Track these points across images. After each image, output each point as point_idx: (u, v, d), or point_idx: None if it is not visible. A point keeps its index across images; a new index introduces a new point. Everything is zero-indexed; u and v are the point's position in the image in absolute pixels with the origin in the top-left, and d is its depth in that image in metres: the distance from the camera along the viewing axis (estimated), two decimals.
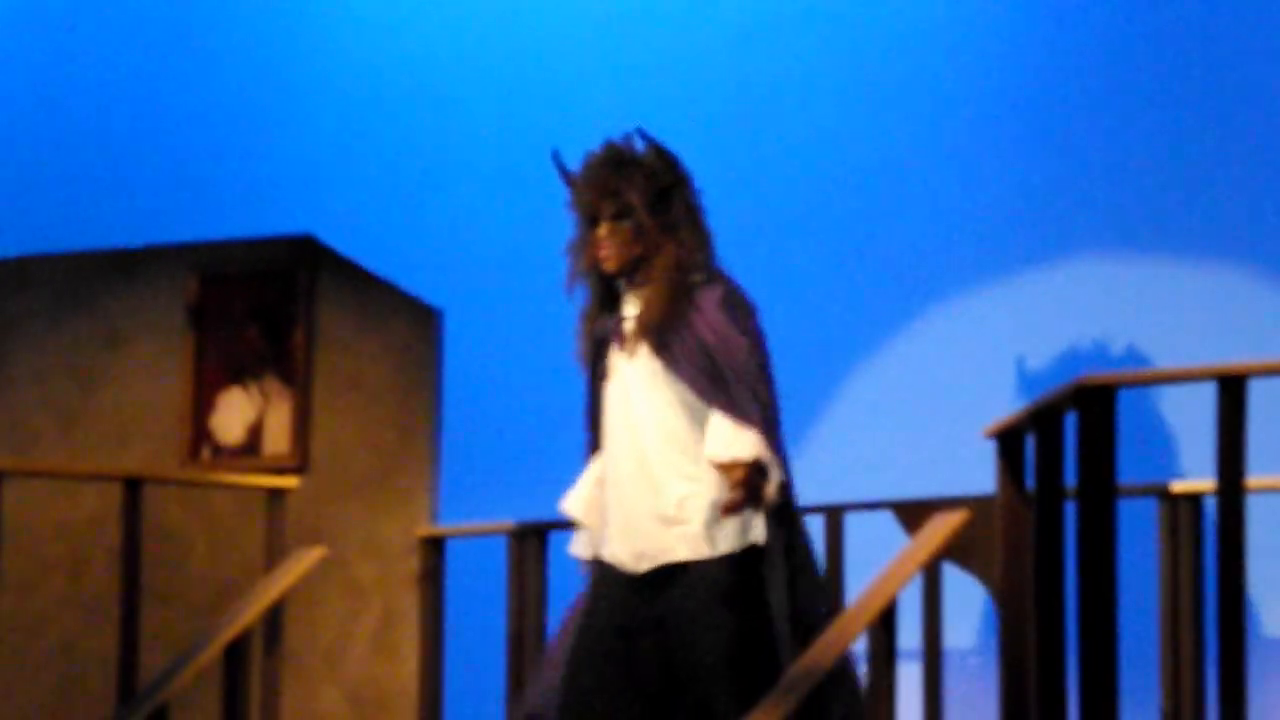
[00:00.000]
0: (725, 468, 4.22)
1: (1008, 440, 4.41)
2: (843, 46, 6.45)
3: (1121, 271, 6.06)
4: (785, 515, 4.30)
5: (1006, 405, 4.35)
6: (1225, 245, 6.02)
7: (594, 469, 4.50)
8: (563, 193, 4.47)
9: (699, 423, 4.37)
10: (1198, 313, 5.85)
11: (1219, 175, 6.05)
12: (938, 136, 6.28)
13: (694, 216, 4.46)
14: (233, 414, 6.37)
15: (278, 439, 6.30)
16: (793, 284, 6.17)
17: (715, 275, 4.48)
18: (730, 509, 4.21)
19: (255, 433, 6.34)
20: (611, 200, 4.40)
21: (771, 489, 4.23)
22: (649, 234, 4.40)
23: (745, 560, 4.32)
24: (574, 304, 4.56)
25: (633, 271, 4.43)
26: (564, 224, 4.64)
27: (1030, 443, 4.33)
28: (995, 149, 6.22)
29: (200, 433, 6.37)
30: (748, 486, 4.19)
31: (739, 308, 4.45)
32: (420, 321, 6.27)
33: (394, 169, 6.99)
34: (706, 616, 4.26)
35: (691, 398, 4.37)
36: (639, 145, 4.46)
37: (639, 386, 4.39)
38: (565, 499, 4.49)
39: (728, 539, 4.30)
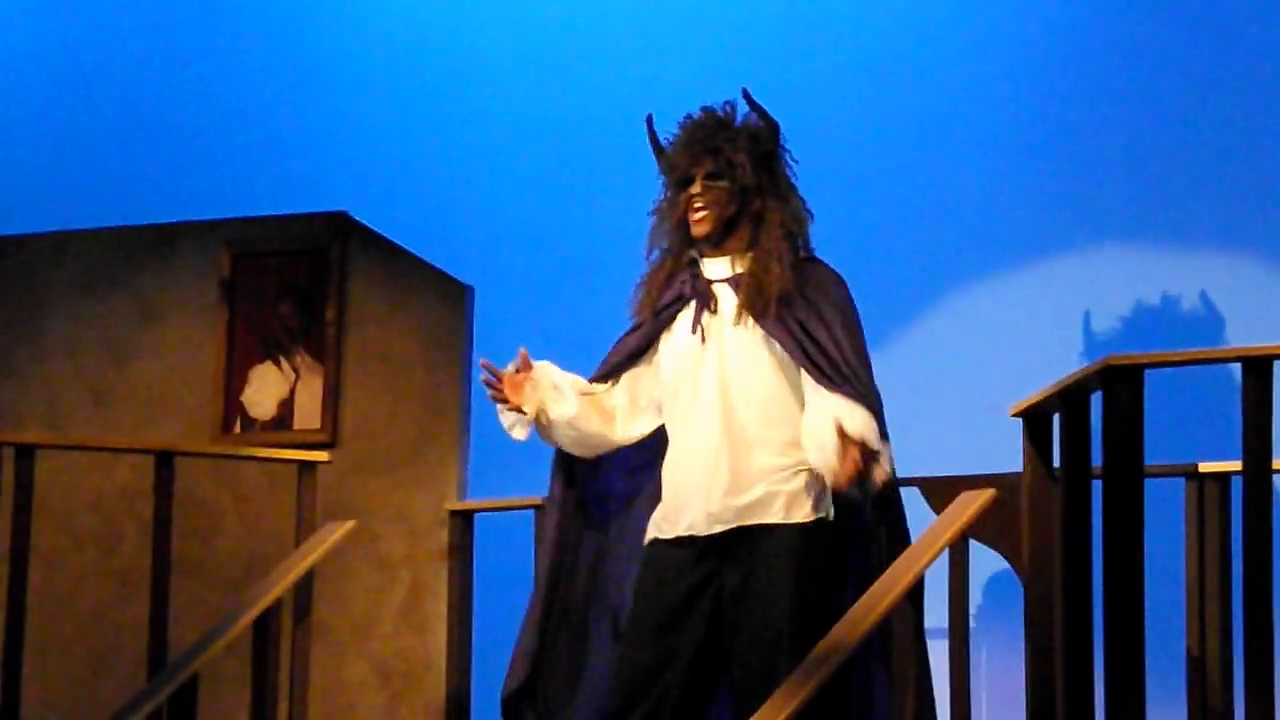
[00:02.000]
0: (846, 443, 4.22)
1: (1034, 419, 4.41)
2: (871, 31, 6.44)
3: (1147, 257, 6.05)
4: (893, 503, 4.31)
5: (1033, 385, 4.34)
6: (1247, 235, 6.01)
7: (592, 387, 4.46)
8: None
9: (796, 396, 4.37)
10: (1220, 298, 5.84)
11: (1243, 165, 6.04)
12: (966, 122, 6.27)
13: (790, 183, 4.45)
14: (264, 388, 6.39)
15: (309, 413, 6.32)
16: (823, 258, 6.17)
17: (816, 258, 4.48)
18: (839, 483, 4.22)
19: (286, 407, 6.36)
20: (711, 158, 4.37)
21: (879, 476, 4.25)
22: (749, 194, 4.38)
23: (816, 531, 4.33)
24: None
25: (721, 236, 4.42)
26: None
27: (1057, 422, 4.33)
28: (1023, 135, 6.21)
29: (232, 407, 6.39)
30: (860, 467, 4.21)
31: (845, 292, 4.46)
32: (451, 297, 6.28)
33: (427, 146, 7.01)
34: (781, 582, 4.27)
35: (793, 370, 4.36)
36: (742, 108, 4.45)
37: (739, 352, 4.37)
38: (553, 392, 4.44)
39: (803, 510, 4.32)
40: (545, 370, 4.48)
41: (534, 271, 6.74)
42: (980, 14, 6.34)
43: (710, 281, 4.42)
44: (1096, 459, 4.16)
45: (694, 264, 4.45)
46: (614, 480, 4.59)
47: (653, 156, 4.49)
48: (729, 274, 4.42)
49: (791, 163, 4.47)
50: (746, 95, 4.44)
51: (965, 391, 5.97)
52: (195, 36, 7.28)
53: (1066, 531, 4.20)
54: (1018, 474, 4.49)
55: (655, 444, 4.52)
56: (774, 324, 4.34)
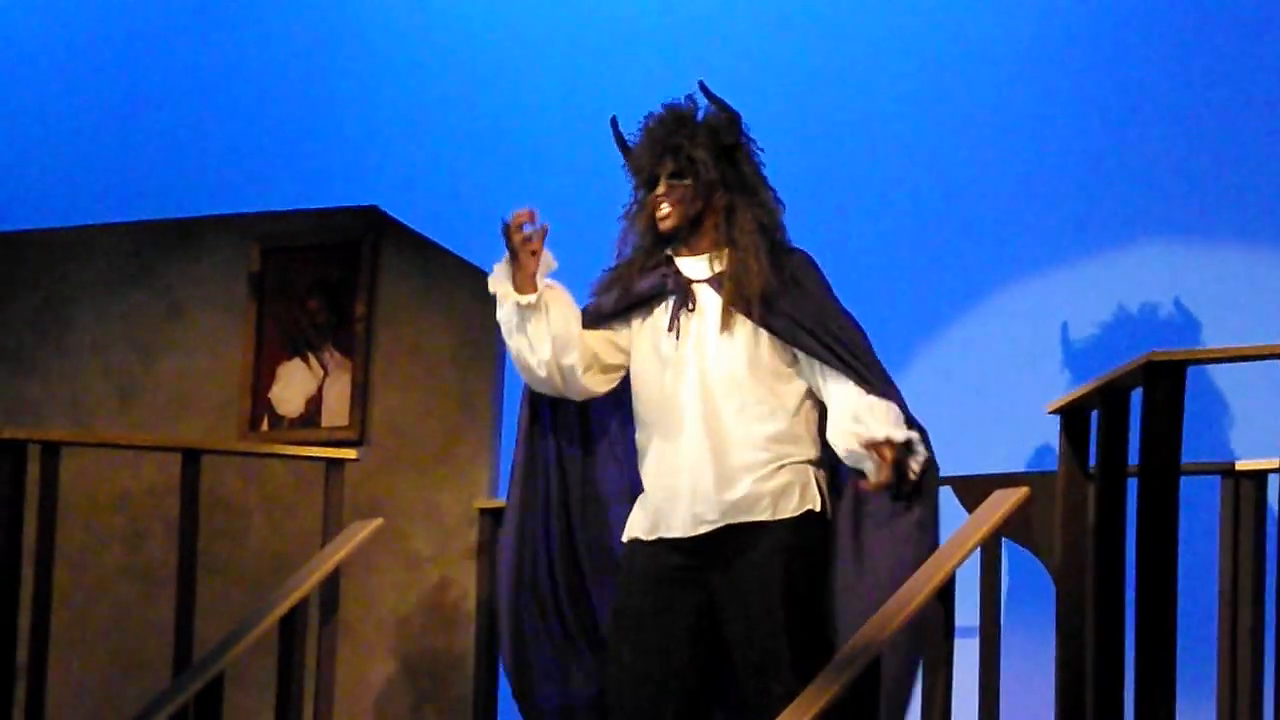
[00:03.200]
0: (877, 446, 4.19)
1: (1072, 417, 4.34)
2: (912, 21, 6.39)
3: (1188, 254, 5.98)
4: (927, 492, 4.29)
5: (1068, 384, 4.29)
6: None
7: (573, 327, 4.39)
8: (620, 160, 4.44)
9: (780, 391, 4.33)
10: (1265, 295, 5.78)
11: None
12: (1007, 115, 6.21)
13: (758, 174, 4.42)
14: (292, 385, 6.37)
15: (337, 410, 6.29)
16: (857, 259, 6.12)
17: (790, 245, 4.45)
18: (881, 487, 4.18)
19: (315, 404, 6.33)
20: (672, 157, 4.35)
21: (916, 466, 4.22)
22: (713, 188, 4.35)
23: (805, 523, 4.30)
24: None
25: (689, 232, 4.39)
26: (629, 194, 4.61)
27: (1095, 419, 4.27)
28: (1064, 130, 6.15)
29: (259, 404, 6.37)
30: (898, 466, 4.17)
31: (823, 275, 4.43)
32: (483, 292, 6.19)
33: (458, 139, 6.97)
34: (772, 576, 4.24)
35: (777, 365, 4.33)
36: (700, 102, 4.42)
37: (720, 352, 4.34)
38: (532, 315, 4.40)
39: (790, 504, 4.29)
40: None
41: (566, 265, 6.69)
42: (1016, 7, 6.28)
43: (690, 281, 4.39)
44: (1134, 457, 4.09)
45: (670, 262, 4.42)
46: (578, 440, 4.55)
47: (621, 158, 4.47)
48: (708, 274, 4.39)
49: (758, 152, 4.42)
50: (703, 88, 4.41)
51: (999, 390, 5.91)
52: (224, 29, 7.26)
53: (1100, 530, 4.14)
54: (1051, 473, 4.43)
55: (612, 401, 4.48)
56: (765, 324, 4.31)
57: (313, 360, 6.37)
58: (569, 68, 6.89)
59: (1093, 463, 4.24)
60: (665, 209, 4.38)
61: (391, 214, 6.38)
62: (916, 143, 6.22)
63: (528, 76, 6.96)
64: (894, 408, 4.29)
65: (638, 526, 4.42)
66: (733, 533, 4.32)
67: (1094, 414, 4.26)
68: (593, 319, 4.47)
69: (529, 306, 4.39)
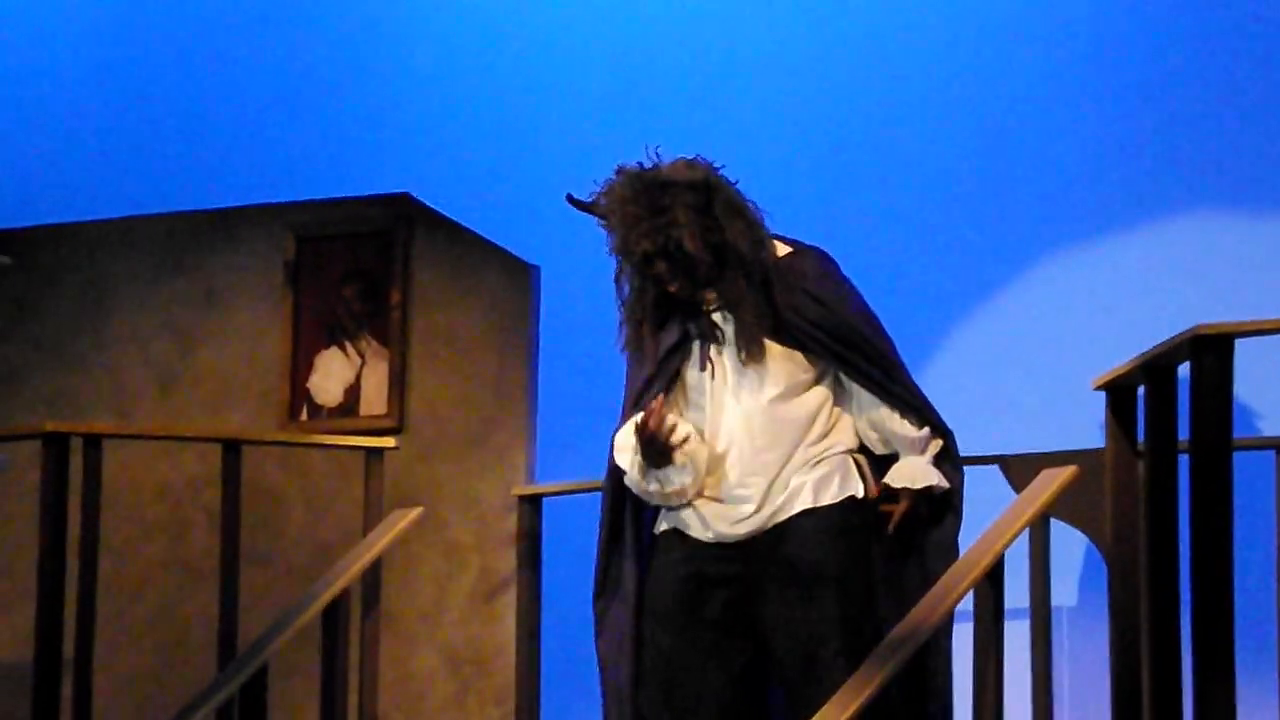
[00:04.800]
0: (894, 493, 4.28)
1: (1118, 393, 4.30)
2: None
3: (1236, 225, 5.94)
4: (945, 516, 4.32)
5: (1114, 359, 4.24)
6: None
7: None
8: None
9: (808, 390, 4.32)
10: None
11: None
12: (1053, 87, 6.17)
13: (735, 205, 4.35)
14: (330, 374, 6.36)
15: (375, 399, 6.28)
16: (901, 236, 6.08)
17: (794, 244, 4.40)
18: (897, 529, 4.26)
19: (353, 393, 6.32)
20: (656, 239, 4.28)
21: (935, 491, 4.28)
22: (706, 253, 4.31)
23: (848, 507, 4.28)
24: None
25: (704, 284, 4.35)
26: None
27: (1142, 395, 4.23)
28: (1108, 102, 6.10)
29: (298, 393, 6.36)
30: (913, 514, 4.27)
31: (838, 273, 4.39)
32: (517, 278, 6.23)
33: (490, 125, 6.94)
34: (819, 558, 4.23)
35: (804, 373, 4.32)
36: (663, 167, 4.33)
37: (750, 382, 4.34)
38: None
39: (830, 490, 4.29)
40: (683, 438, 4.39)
41: (601, 249, 6.66)
42: None
43: (709, 311, 4.35)
44: (1182, 432, 4.05)
45: (677, 304, 4.36)
46: None
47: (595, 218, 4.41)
48: (718, 301, 4.35)
49: (732, 183, 4.36)
50: (687, 165, 4.31)
51: (1047, 365, 5.88)
52: (257, 18, 7.25)
53: (1152, 509, 4.10)
54: (1100, 450, 4.39)
55: None
56: (788, 337, 4.29)
57: (350, 349, 6.36)
58: (600, 53, 6.86)
59: (1141, 439, 4.20)
60: (675, 287, 4.33)
61: (424, 201, 6.36)
62: (961, 115, 6.18)
63: (559, 62, 6.93)
64: (915, 434, 4.31)
65: (675, 519, 4.39)
66: (775, 529, 4.31)
67: (1141, 389, 4.23)
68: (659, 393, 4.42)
69: (679, 491, 4.37)
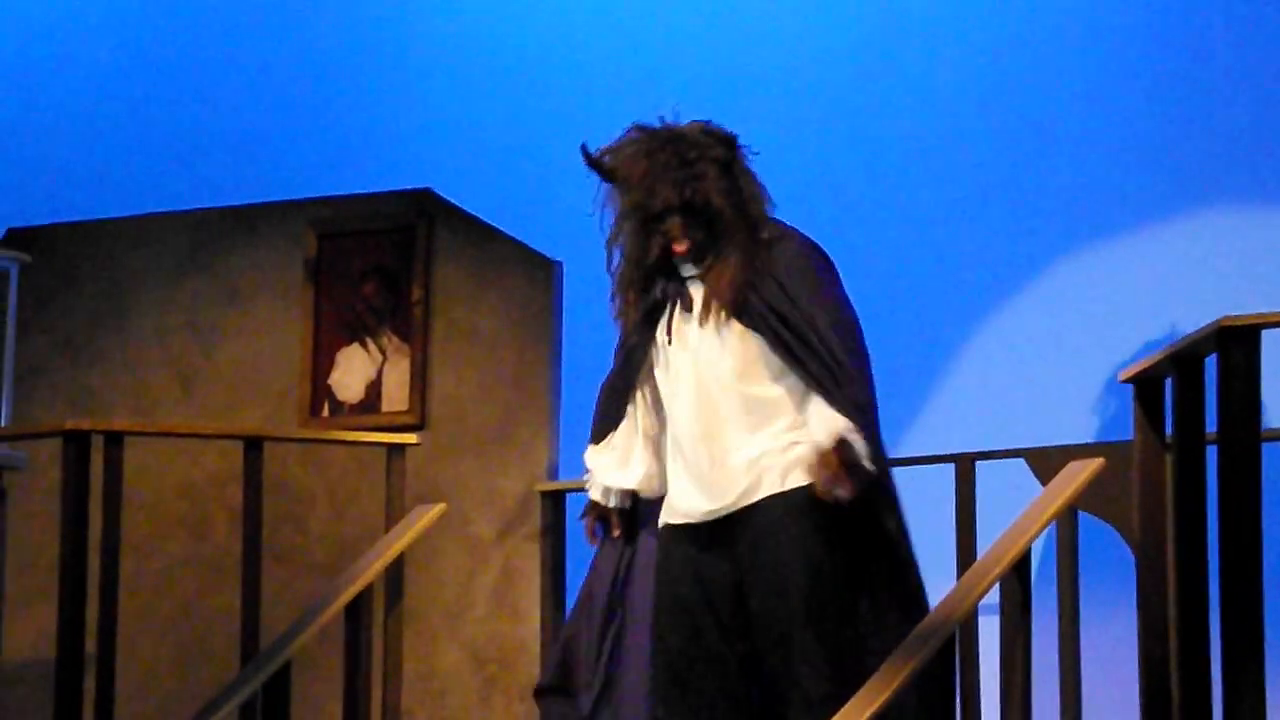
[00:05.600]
0: (820, 459, 4.16)
1: (1145, 385, 4.28)
2: None
3: (1260, 218, 5.92)
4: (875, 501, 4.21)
5: (1140, 352, 4.23)
6: None
7: (631, 438, 4.40)
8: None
9: (775, 379, 4.28)
10: None
11: None
12: (1077, 80, 6.15)
13: (750, 177, 4.35)
14: (352, 371, 6.35)
15: (396, 395, 6.27)
16: (926, 228, 6.07)
17: (781, 229, 4.38)
18: (825, 493, 4.14)
19: (374, 389, 6.32)
20: (681, 191, 4.26)
21: (863, 458, 4.14)
22: (721, 213, 4.29)
23: (812, 494, 4.24)
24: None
25: (712, 245, 4.33)
26: None
27: (1169, 387, 4.21)
28: (1132, 97, 6.09)
29: (320, 390, 6.35)
30: (838, 468, 4.13)
31: (815, 261, 4.35)
32: (539, 274, 6.22)
33: (510, 120, 6.94)
34: (788, 542, 4.20)
35: (768, 354, 4.28)
36: (682, 125, 4.32)
37: (707, 347, 4.30)
38: (609, 473, 4.40)
39: (798, 476, 4.23)
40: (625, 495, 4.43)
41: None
42: None
43: (684, 279, 4.34)
44: (1210, 424, 4.03)
45: (664, 263, 4.34)
46: None
47: (598, 176, 4.37)
48: (695, 271, 4.33)
49: (743, 151, 4.34)
50: (705, 129, 4.30)
51: (1073, 359, 5.86)
52: (278, 16, 7.25)
53: (1180, 501, 4.08)
54: (1127, 442, 4.37)
55: None
56: (745, 316, 4.25)
57: (371, 345, 6.35)
58: (621, 49, 6.85)
59: (1169, 431, 4.18)
60: (684, 245, 4.30)
61: (445, 197, 6.36)
62: (985, 109, 6.17)
63: (579, 58, 6.92)
64: (839, 416, 4.21)
65: (665, 512, 4.40)
66: (746, 512, 4.28)
67: (1168, 381, 4.20)
68: (635, 369, 4.41)
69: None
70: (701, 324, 4.27)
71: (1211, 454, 3.99)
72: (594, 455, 4.47)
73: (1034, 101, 6.13)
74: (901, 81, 6.29)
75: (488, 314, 6.26)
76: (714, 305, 4.27)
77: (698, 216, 4.26)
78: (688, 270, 4.34)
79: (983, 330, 6.00)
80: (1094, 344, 5.81)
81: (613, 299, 4.42)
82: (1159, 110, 6.02)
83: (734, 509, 4.25)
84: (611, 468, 4.43)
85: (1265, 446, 3.92)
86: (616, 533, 4.42)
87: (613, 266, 4.40)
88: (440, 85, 7.06)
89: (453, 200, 6.36)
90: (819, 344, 4.22)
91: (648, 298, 4.35)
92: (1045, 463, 5.08)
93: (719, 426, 4.27)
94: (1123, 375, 4.28)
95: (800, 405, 4.27)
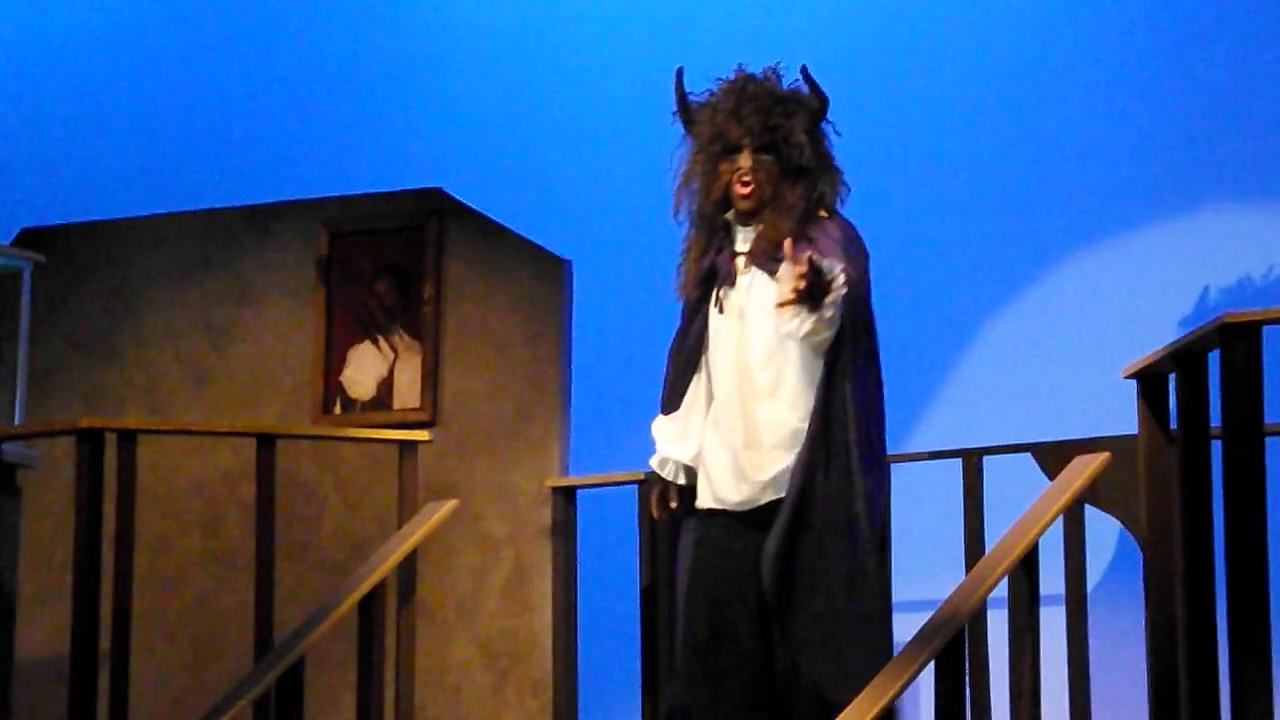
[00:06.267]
0: (793, 266, 4.12)
1: (1149, 381, 4.31)
2: None
3: (1261, 216, 5.94)
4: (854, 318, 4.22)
5: (1145, 347, 4.25)
6: None
7: (693, 409, 4.41)
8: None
9: (813, 362, 4.30)
10: None
11: None
12: (1079, 80, 6.17)
13: (832, 157, 4.38)
14: (363, 368, 6.38)
15: (408, 393, 6.30)
16: (934, 224, 6.09)
17: (836, 215, 4.41)
18: (786, 303, 4.11)
19: (386, 387, 6.34)
20: (766, 132, 4.28)
21: (833, 291, 4.12)
22: (799, 173, 4.30)
23: None
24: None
25: (761, 208, 4.35)
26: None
27: (1173, 382, 4.23)
28: (1139, 92, 6.10)
29: (331, 388, 6.38)
30: (807, 285, 4.10)
31: (854, 248, 4.38)
32: (549, 272, 6.24)
33: (521, 119, 6.96)
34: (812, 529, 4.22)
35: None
36: (789, 78, 4.36)
37: (753, 319, 4.32)
38: (669, 444, 4.41)
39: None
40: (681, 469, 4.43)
41: (632, 243, 6.68)
42: None
43: (735, 254, 4.36)
44: (1215, 420, 4.06)
45: (728, 230, 4.37)
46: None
47: (677, 110, 4.39)
48: (748, 246, 4.35)
49: (834, 135, 4.38)
50: (805, 73, 4.34)
51: (1078, 355, 5.88)
52: (289, 16, 7.27)
53: (1186, 495, 4.10)
54: (1133, 437, 4.39)
55: None
56: (771, 271, 4.26)
57: (383, 343, 6.38)
58: (632, 47, 6.87)
59: (1173, 425, 4.21)
60: (749, 187, 4.31)
61: (456, 196, 6.38)
62: (989, 108, 6.19)
63: (590, 57, 6.94)
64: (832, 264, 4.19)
65: (700, 497, 4.42)
66: (774, 505, 4.30)
67: (1172, 377, 4.23)
68: (697, 344, 4.43)
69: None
70: (747, 288, 4.28)
71: (1216, 448, 4.02)
72: (659, 425, 4.46)
73: (1037, 105, 6.15)
74: (906, 80, 6.31)
75: (499, 312, 6.29)
76: (753, 262, 4.26)
77: (769, 156, 4.27)
78: (741, 241, 4.35)
79: (990, 327, 6.02)
80: (1100, 339, 5.83)
81: (678, 270, 4.44)
82: (1166, 107, 6.04)
83: (760, 503, 4.28)
84: (672, 439, 4.42)
85: (1268, 441, 3.95)
86: (673, 504, 4.41)
87: (679, 217, 4.42)
88: (451, 85, 7.09)
89: (463, 199, 6.38)
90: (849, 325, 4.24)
91: (702, 266, 4.37)
92: (1052, 457, 5.10)
93: (755, 399, 4.28)
94: (1126, 371, 4.31)
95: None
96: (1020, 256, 6.11)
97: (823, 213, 4.35)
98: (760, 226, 4.33)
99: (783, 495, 4.26)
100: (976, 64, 6.26)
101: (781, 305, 4.12)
